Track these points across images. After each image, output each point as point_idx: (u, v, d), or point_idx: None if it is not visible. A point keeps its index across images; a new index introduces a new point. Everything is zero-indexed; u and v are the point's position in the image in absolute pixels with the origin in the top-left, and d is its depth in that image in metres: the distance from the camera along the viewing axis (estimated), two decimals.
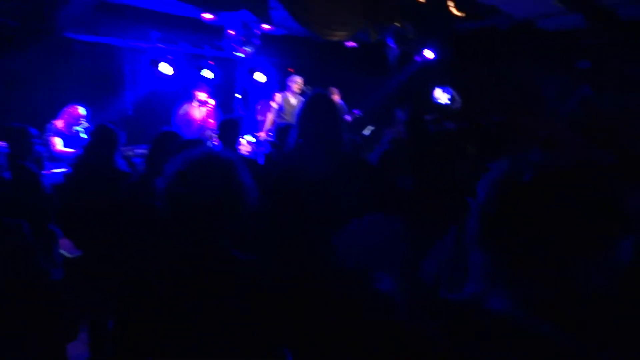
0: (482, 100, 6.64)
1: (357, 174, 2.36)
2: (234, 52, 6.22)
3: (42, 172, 4.37)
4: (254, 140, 6.44)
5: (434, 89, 6.45)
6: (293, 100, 6.57)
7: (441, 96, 6.50)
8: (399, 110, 8.10)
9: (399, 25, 5.72)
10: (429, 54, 7.59)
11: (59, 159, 4.83)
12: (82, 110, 5.06)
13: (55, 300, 2.01)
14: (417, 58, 7.80)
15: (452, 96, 6.36)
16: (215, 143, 5.92)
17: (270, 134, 6.49)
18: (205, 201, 1.21)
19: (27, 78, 5.41)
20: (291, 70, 7.61)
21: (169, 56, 6.39)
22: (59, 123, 4.92)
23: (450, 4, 5.75)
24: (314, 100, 2.25)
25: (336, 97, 6.69)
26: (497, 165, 1.27)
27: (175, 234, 1.30)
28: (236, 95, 7.78)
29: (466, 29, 7.09)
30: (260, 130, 6.56)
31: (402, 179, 2.68)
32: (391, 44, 5.95)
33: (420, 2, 5.16)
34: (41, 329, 1.80)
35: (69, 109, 5.00)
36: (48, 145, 4.78)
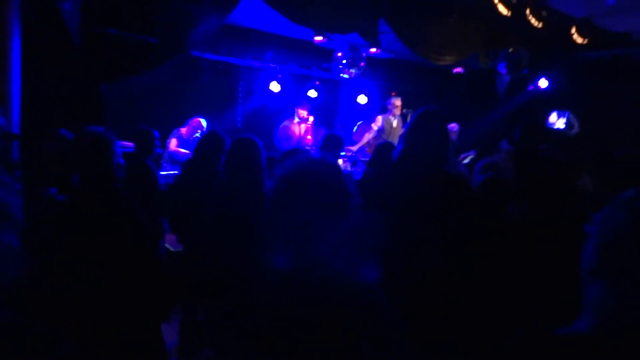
0: (605, 127, 6.01)
1: (459, 197, 2.27)
2: (340, 74, 6.42)
3: (159, 171, 4.88)
4: (347, 158, 6.54)
5: (549, 113, 5.92)
6: (394, 122, 6.58)
7: (556, 121, 5.98)
8: (505, 141, 7.69)
9: (512, 50, 5.47)
10: (543, 83, 7.13)
11: (174, 159, 5.36)
12: (203, 122, 5.63)
13: (160, 276, 2.15)
14: (530, 87, 7.36)
15: (569, 121, 5.82)
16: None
17: (364, 152, 6.55)
18: (313, 200, 1.23)
19: (157, 89, 6.11)
20: (393, 93, 7.63)
21: (279, 75, 6.80)
22: (183, 130, 5.50)
23: (573, 30, 5.37)
24: (424, 115, 2.21)
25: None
26: (623, 197, 1.14)
27: (280, 236, 1.30)
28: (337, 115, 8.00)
29: (590, 58, 6.54)
30: (363, 152, 6.63)
31: (507, 207, 2.53)
32: (502, 70, 5.69)
33: (537, 27, 4.88)
34: (144, 302, 1.94)
35: (193, 120, 5.59)
36: (167, 145, 5.34)
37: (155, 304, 1.96)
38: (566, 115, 5.76)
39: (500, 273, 2.09)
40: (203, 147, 3.13)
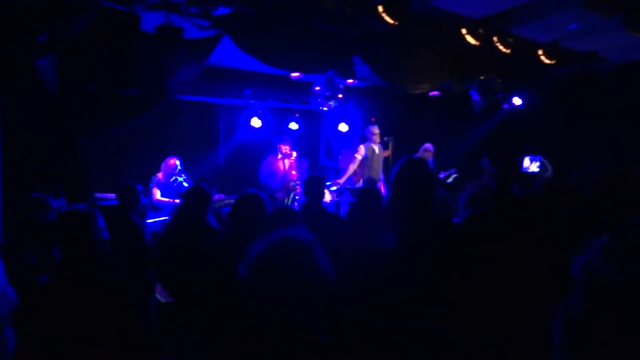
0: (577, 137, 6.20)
1: (443, 239, 2.33)
2: (319, 107, 6.53)
3: (145, 220, 4.85)
4: (334, 188, 6.61)
5: (522, 158, 6.17)
6: (376, 149, 6.70)
7: (530, 165, 6.22)
8: (485, 159, 7.84)
9: (483, 78, 5.64)
10: (517, 101, 7.35)
11: (158, 207, 5.32)
12: (177, 162, 5.52)
13: (145, 345, 2.14)
14: (505, 105, 7.58)
15: (542, 164, 6.03)
16: (298, 191, 6.17)
17: (351, 180, 6.64)
18: (283, 285, 1.28)
19: (138, 133, 6.09)
20: (373, 119, 7.76)
21: (259, 111, 6.87)
22: (160, 175, 5.44)
23: (540, 52, 5.56)
24: (407, 166, 2.27)
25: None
26: (596, 245, 1.18)
27: (256, 310, 1.36)
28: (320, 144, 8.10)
29: (559, 75, 6.77)
30: (348, 180, 6.70)
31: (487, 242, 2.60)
32: (475, 96, 5.86)
33: (505, 53, 5.05)
34: None
35: (167, 161, 5.50)
36: (150, 195, 5.29)
37: None
38: (539, 159, 5.97)
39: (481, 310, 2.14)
40: (189, 201, 3.14)
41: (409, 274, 2.20)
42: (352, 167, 6.54)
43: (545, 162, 6.03)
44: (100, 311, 1.87)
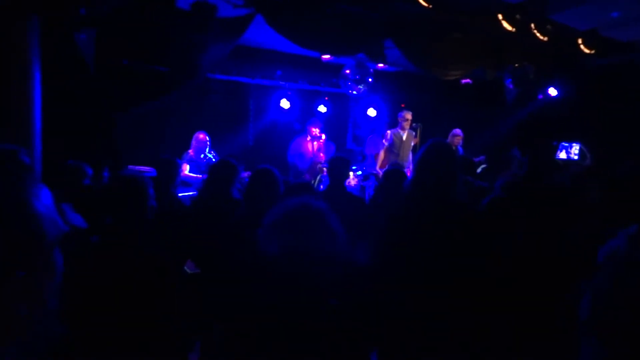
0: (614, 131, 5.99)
1: (464, 226, 2.31)
2: (349, 91, 6.53)
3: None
4: (360, 173, 6.62)
5: (557, 145, 5.95)
6: (404, 136, 6.65)
7: (561, 153, 6.03)
8: (516, 148, 7.68)
9: (517, 65, 5.50)
10: (552, 91, 7.14)
11: (186, 182, 5.47)
12: (206, 137, 5.62)
13: (177, 313, 2.25)
14: (540, 95, 7.38)
15: (580, 151, 5.81)
16: (325, 174, 6.22)
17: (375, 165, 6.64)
18: (298, 248, 1.33)
19: (169, 111, 6.26)
20: (403, 105, 7.69)
21: (288, 92, 6.93)
22: (191, 151, 5.59)
23: (579, 41, 5.38)
24: (432, 149, 2.24)
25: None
26: (623, 235, 1.19)
27: (274, 273, 1.43)
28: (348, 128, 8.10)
29: (597, 65, 6.52)
30: (374, 166, 6.71)
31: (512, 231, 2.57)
32: (508, 84, 5.72)
33: (543, 40, 4.91)
34: (168, 338, 2.03)
35: (196, 136, 5.61)
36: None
37: (180, 338, 2.04)
38: (578, 144, 5.74)
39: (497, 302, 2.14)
40: (216, 174, 3.23)
41: (422, 256, 2.21)
42: (382, 155, 6.56)
43: (584, 149, 5.83)
44: (143, 276, 1.95)
